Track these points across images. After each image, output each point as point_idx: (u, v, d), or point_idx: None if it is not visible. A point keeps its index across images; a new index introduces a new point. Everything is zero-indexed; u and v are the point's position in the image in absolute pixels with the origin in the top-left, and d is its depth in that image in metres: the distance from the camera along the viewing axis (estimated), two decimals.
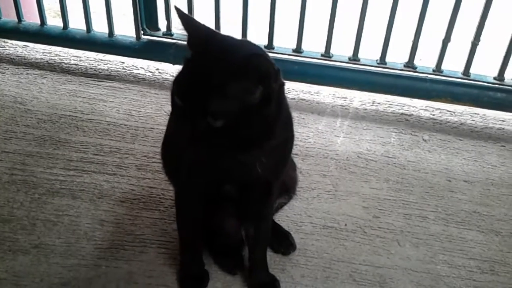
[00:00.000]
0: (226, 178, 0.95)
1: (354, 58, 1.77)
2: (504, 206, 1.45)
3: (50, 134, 1.61)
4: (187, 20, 0.86)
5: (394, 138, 1.71)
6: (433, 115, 1.85)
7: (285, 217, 1.35)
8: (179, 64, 1.91)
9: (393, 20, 1.68)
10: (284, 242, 1.25)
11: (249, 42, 0.88)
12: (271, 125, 0.86)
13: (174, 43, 1.90)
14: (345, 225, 1.35)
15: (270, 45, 1.81)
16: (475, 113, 1.87)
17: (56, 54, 2.06)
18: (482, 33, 1.65)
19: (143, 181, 1.45)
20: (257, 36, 1.80)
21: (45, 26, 1.97)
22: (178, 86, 0.83)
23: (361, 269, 1.22)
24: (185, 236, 1.12)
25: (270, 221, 1.13)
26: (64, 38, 1.96)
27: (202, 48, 0.82)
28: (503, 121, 1.84)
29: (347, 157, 1.60)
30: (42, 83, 1.88)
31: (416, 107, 1.88)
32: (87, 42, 1.95)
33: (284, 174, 1.12)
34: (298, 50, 1.80)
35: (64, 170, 1.47)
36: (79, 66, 2.01)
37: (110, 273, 1.17)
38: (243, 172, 0.93)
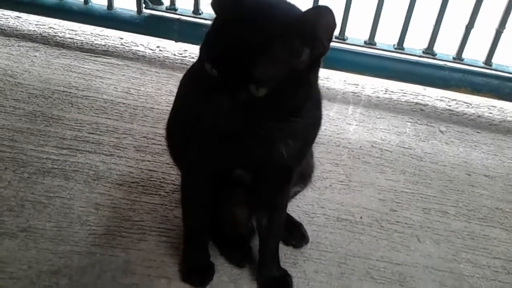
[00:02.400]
0: (243, 160, 0.85)
1: (370, 42, 1.66)
2: None
3: (42, 110, 1.48)
4: None
5: (409, 128, 1.61)
6: (449, 106, 1.76)
7: (296, 207, 1.25)
8: (183, 41, 1.84)
9: (414, 2, 1.58)
10: (295, 234, 1.14)
11: (285, 1, 0.78)
12: (307, 98, 0.76)
13: (178, 19, 1.78)
14: (361, 217, 1.25)
15: None
16: (493, 106, 1.79)
17: (50, 27, 1.94)
18: (508, 19, 1.55)
19: (142, 163, 1.34)
20: None
21: None
22: (212, 52, 0.71)
23: (379, 266, 1.13)
24: (191, 224, 1.02)
25: (285, 211, 1.03)
26: (60, 9, 1.83)
27: (234, 8, 0.72)
28: None
29: (360, 146, 1.50)
30: (35, 56, 1.76)
31: (431, 97, 1.79)
32: (84, 14, 1.82)
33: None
34: None
35: (57, 148, 1.35)
36: (75, 40, 1.88)
37: (105, 262, 1.06)
38: (265, 154, 0.82)
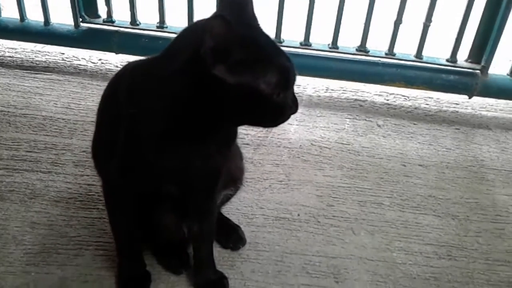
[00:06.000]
0: (172, 177, 0.88)
1: (306, 43, 1.70)
2: (460, 189, 1.41)
3: None
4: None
5: (348, 124, 1.66)
6: (387, 100, 1.81)
7: (235, 210, 1.27)
8: (123, 52, 1.84)
9: (344, 2, 1.62)
10: (233, 237, 1.17)
11: None
12: None
13: (116, 31, 1.78)
14: (298, 215, 1.28)
15: None
16: (429, 97, 1.85)
17: None
18: (434, 13, 1.61)
19: (81, 178, 1.33)
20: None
21: None
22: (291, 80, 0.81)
23: (315, 261, 1.16)
24: (119, 236, 1.02)
25: (214, 215, 1.04)
26: None
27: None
28: (457, 104, 1.82)
29: (300, 145, 1.53)
30: None
31: (370, 93, 1.84)
32: (21, 31, 1.80)
33: (230, 164, 1.05)
34: None
35: None
36: (14, 58, 1.86)
37: (40, 280, 1.06)
38: (204, 167, 0.87)
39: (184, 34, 0.80)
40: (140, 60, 0.88)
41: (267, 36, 0.80)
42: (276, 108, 0.79)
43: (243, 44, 0.72)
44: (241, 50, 0.72)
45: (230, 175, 1.08)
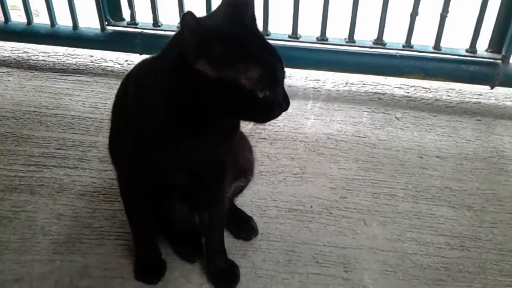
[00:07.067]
0: (177, 166, 0.93)
1: (322, 38, 1.72)
2: (477, 180, 1.40)
3: (12, 131, 1.57)
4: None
5: (366, 117, 1.66)
6: (408, 92, 1.80)
7: (249, 202, 1.31)
8: (146, 53, 1.91)
9: None
10: (245, 227, 1.21)
11: None
12: None
13: (139, 33, 1.85)
14: (311, 207, 1.31)
15: None
16: (451, 88, 1.82)
17: (24, 51, 2.03)
18: (451, 3, 1.59)
19: (105, 173, 1.41)
20: None
21: (9, 22, 1.93)
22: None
23: (325, 251, 1.18)
24: (135, 226, 1.09)
25: (224, 206, 1.09)
26: (28, 34, 1.91)
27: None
28: (479, 95, 1.79)
29: (316, 139, 1.55)
30: (8, 80, 1.85)
31: (390, 86, 1.83)
32: (52, 36, 1.91)
33: (239, 157, 1.09)
34: (264, 32, 1.75)
35: (24, 166, 1.43)
36: (47, 62, 1.97)
37: (64, 268, 1.14)
38: (205, 158, 0.91)
39: (176, 34, 0.85)
40: (146, 59, 0.94)
41: (257, 36, 0.83)
42: (264, 104, 0.81)
43: (225, 39, 0.76)
44: (222, 45, 0.76)
45: (240, 167, 1.12)
